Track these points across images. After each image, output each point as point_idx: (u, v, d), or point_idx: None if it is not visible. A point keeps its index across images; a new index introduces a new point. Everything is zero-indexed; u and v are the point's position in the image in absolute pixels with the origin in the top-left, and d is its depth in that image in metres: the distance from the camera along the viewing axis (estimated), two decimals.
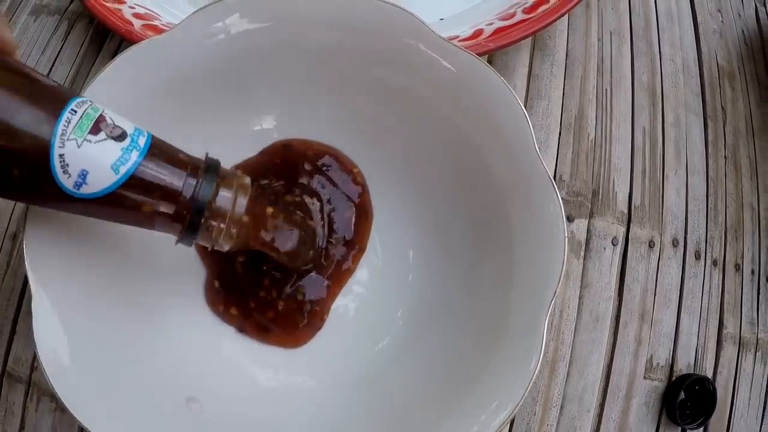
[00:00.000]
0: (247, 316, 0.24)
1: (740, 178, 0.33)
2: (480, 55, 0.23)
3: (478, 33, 0.27)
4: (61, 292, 0.19)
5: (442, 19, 0.30)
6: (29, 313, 0.26)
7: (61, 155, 0.16)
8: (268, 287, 0.24)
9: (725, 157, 0.33)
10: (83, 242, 0.21)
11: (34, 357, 0.26)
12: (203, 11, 0.21)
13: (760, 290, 0.32)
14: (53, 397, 0.25)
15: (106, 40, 0.32)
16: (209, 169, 0.18)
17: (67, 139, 0.16)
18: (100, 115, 0.17)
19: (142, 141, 0.17)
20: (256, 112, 0.25)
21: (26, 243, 0.19)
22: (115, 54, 0.31)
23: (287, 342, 0.24)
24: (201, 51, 0.22)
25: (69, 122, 0.16)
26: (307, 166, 0.25)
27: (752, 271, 0.32)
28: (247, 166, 0.26)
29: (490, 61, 0.30)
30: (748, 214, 0.33)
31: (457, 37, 0.27)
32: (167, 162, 0.18)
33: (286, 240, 0.22)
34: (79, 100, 0.17)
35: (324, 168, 0.26)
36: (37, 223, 0.19)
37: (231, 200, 0.19)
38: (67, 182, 0.16)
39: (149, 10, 0.30)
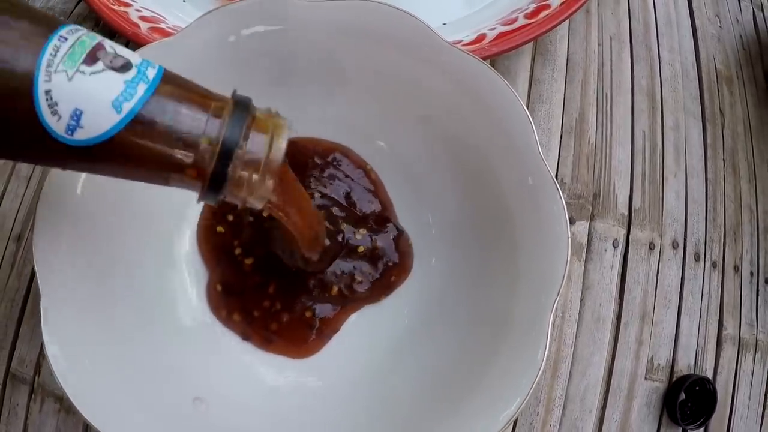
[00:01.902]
0: (250, 323, 0.24)
1: (739, 180, 0.34)
2: (483, 59, 0.23)
3: (480, 38, 0.28)
4: (69, 293, 0.19)
5: (445, 23, 0.30)
6: (34, 315, 0.27)
7: (47, 91, 0.13)
8: (273, 296, 0.24)
9: (724, 160, 0.34)
10: (91, 242, 0.21)
11: (39, 358, 0.26)
12: (214, 14, 0.21)
13: (759, 292, 0.33)
14: (57, 398, 0.26)
15: None
16: (238, 106, 0.15)
17: (55, 72, 0.13)
18: (98, 43, 0.14)
19: (151, 73, 0.14)
20: None
21: (35, 243, 0.19)
22: None
23: (292, 353, 0.24)
24: (211, 53, 0.22)
25: (57, 51, 0.13)
26: (318, 160, 0.25)
27: (751, 273, 0.33)
28: None
29: (492, 65, 0.30)
30: (747, 216, 0.33)
31: (461, 41, 0.28)
32: (184, 99, 0.14)
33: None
34: (71, 27, 0.14)
35: (336, 163, 0.26)
36: (46, 223, 0.19)
37: (266, 144, 0.15)
38: (56, 126, 0.13)
39: (155, 13, 0.30)
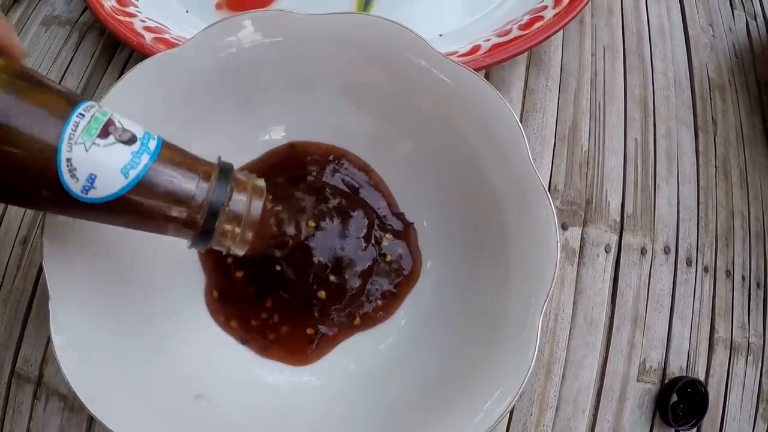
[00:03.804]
0: (248, 330, 0.24)
1: (731, 187, 0.34)
2: (477, 70, 0.24)
3: (475, 49, 0.28)
4: (76, 292, 0.20)
5: (441, 35, 0.31)
6: (39, 315, 0.27)
7: (68, 159, 0.15)
8: (271, 310, 0.24)
9: (716, 166, 0.34)
10: (98, 243, 0.22)
11: (43, 357, 0.27)
12: (217, 26, 0.22)
13: (751, 295, 0.33)
14: (61, 397, 0.26)
15: (117, 51, 0.33)
16: (223, 172, 0.18)
17: (75, 143, 0.15)
18: (109, 119, 0.16)
19: (152, 145, 0.17)
20: (265, 123, 0.26)
21: (44, 244, 0.20)
22: (125, 65, 0.32)
23: (290, 361, 0.24)
24: (213, 64, 0.23)
25: (77, 126, 0.16)
26: (318, 165, 0.26)
27: (743, 277, 0.33)
28: (252, 167, 0.26)
29: (487, 76, 0.31)
30: (739, 221, 0.34)
31: (456, 52, 0.28)
32: (179, 165, 0.17)
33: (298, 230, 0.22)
34: (87, 104, 0.16)
35: (338, 163, 0.26)
36: (55, 224, 0.20)
37: (246, 203, 0.18)
38: (74, 187, 0.16)
39: (159, 23, 0.31)
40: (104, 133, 0.16)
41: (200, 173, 0.18)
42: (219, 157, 0.19)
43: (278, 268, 0.24)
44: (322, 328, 0.25)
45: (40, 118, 0.15)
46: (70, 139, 0.15)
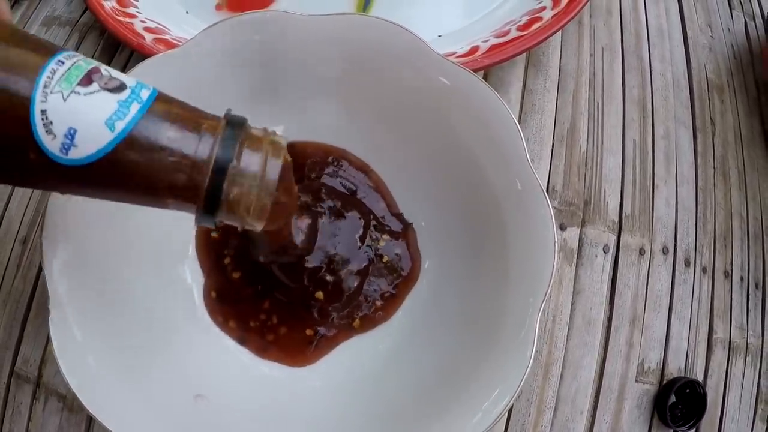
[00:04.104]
0: (246, 330, 0.24)
1: (729, 187, 0.34)
2: (476, 70, 0.24)
3: (474, 50, 0.28)
4: (76, 292, 0.20)
5: (440, 36, 0.31)
6: (38, 316, 0.27)
7: (43, 111, 0.13)
8: (269, 311, 0.24)
9: (714, 167, 0.34)
10: (98, 242, 0.22)
11: (43, 358, 0.27)
12: (216, 27, 0.22)
13: (750, 296, 0.33)
14: (60, 397, 0.26)
15: (117, 52, 0.33)
16: (231, 125, 0.15)
17: (51, 92, 0.13)
18: (94, 67, 0.14)
19: (145, 94, 0.14)
20: (264, 123, 0.26)
21: (44, 243, 0.20)
22: (125, 66, 0.33)
23: (288, 362, 0.24)
24: (213, 65, 0.23)
25: (54, 73, 0.13)
26: (324, 161, 0.26)
27: (741, 278, 0.33)
28: None
29: (486, 76, 0.31)
30: (737, 222, 0.34)
31: (455, 53, 0.29)
32: (178, 117, 0.14)
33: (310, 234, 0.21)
34: (69, 53, 0.14)
35: (337, 164, 0.26)
36: (55, 223, 0.20)
37: (260, 162, 0.15)
38: (51, 145, 0.13)
39: (160, 24, 0.31)
40: (86, 80, 0.13)
41: (204, 127, 0.14)
42: (229, 110, 0.16)
43: (274, 270, 0.24)
44: (322, 330, 0.25)
45: (11, 64, 0.13)
46: (45, 87, 0.13)
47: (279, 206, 0.16)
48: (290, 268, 0.24)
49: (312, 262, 0.23)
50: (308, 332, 0.24)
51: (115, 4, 0.31)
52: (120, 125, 0.13)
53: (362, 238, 0.25)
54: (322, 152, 0.27)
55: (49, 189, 0.16)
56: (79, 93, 0.13)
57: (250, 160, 0.15)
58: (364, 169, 0.27)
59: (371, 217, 0.26)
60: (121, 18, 0.30)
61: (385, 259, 0.25)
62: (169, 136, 0.14)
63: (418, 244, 0.26)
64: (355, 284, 0.24)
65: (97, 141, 0.13)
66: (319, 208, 0.24)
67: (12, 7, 0.36)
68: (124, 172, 0.14)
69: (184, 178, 0.14)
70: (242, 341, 0.25)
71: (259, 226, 0.16)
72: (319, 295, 0.24)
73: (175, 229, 0.26)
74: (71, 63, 0.14)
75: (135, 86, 0.14)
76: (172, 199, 0.15)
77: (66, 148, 0.13)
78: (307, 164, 0.26)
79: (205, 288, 0.25)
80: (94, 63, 0.14)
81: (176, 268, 0.25)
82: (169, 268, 0.25)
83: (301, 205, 0.24)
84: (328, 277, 0.24)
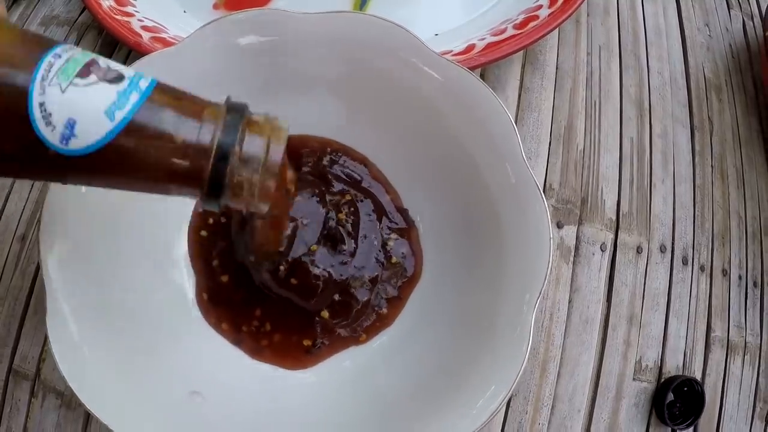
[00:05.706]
0: (239, 333, 0.24)
1: (727, 186, 0.34)
2: (472, 68, 0.24)
3: (470, 48, 0.28)
4: (73, 289, 0.20)
5: (437, 34, 0.31)
6: (37, 313, 0.27)
7: (41, 103, 0.13)
8: (262, 318, 0.24)
9: (712, 166, 0.34)
10: (96, 239, 0.22)
11: (41, 355, 0.27)
12: (213, 25, 0.22)
13: (748, 295, 0.33)
14: (58, 394, 0.26)
15: (115, 50, 0.33)
16: (232, 111, 0.15)
17: (49, 85, 0.13)
18: (91, 59, 0.14)
19: (143, 84, 0.14)
20: None
21: (41, 240, 0.20)
22: (122, 64, 0.33)
23: (282, 365, 0.24)
24: (210, 63, 0.23)
25: (51, 66, 0.13)
26: (324, 155, 0.25)
27: (739, 276, 0.33)
28: None
29: (483, 74, 0.31)
30: (735, 221, 0.34)
31: (451, 51, 0.29)
32: (177, 105, 0.14)
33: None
34: (66, 46, 0.14)
35: (337, 157, 0.26)
36: (53, 220, 0.20)
37: (263, 146, 0.15)
38: (51, 136, 0.13)
39: (157, 23, 0.31)
40: (84, 72, 0.14)
41: (205, 114, 0.15)
42: (228, 97, 0.16)
43: (274, 290, 0.23)
44: (321, 341, 0.24)
45: (7, 58, 0.13)
46: (42, 80, 0.13)
47: (281, 193, 0.16)
48: (296, 281, 0.23)
49: (319, 273, 0.22)
50: (306, 342, 0.24)
51: (112, 3, 0.31)
52: (120, 115, 0.14)
53: (376, 238, 0.24)
54: (320, 144, 0.27)
55: (50, 180, 0.16)
56: (77, 85, 0.13)
57: (253, 144, 0.15)
58: (363, 161, 0.27)
59: (383, 211, 0.25)
60: (118, 17, 0.30)
61: (394, 260, 0.25)
62: (170, 123, 0.14)
63: (420, 241, 0.26)
64: (365, 298, 0.24)
65: (97, 131, 0.14)
66: (326, 196, 0.23)
67: (10, 6, 0.36)
68: (126, 161, 0.14)
69: (187, 164, 0.14)
70: (236, 342, 0.24)
71: (264, 209, 0.16)
72: (325, 314, 0.23)
73: (175, 225, 0.26)
74: (68, 56, 0.14)
75: (133, 77, 0.14)
76: (175, 185, 0.15)
77: (66, 138, 0.13)
78: (304, 153, 0.26)
79: (197, 288, 0.25)
80: (92, 55, 0.14)
81: (171, 266, 0.25)
82: (168, 264, 0.25)
83: (312, 185, 0.23)
84: (337, 297, 0.23)
